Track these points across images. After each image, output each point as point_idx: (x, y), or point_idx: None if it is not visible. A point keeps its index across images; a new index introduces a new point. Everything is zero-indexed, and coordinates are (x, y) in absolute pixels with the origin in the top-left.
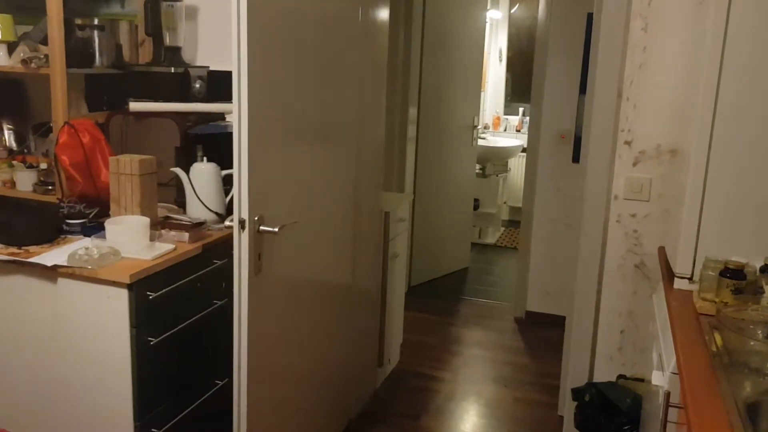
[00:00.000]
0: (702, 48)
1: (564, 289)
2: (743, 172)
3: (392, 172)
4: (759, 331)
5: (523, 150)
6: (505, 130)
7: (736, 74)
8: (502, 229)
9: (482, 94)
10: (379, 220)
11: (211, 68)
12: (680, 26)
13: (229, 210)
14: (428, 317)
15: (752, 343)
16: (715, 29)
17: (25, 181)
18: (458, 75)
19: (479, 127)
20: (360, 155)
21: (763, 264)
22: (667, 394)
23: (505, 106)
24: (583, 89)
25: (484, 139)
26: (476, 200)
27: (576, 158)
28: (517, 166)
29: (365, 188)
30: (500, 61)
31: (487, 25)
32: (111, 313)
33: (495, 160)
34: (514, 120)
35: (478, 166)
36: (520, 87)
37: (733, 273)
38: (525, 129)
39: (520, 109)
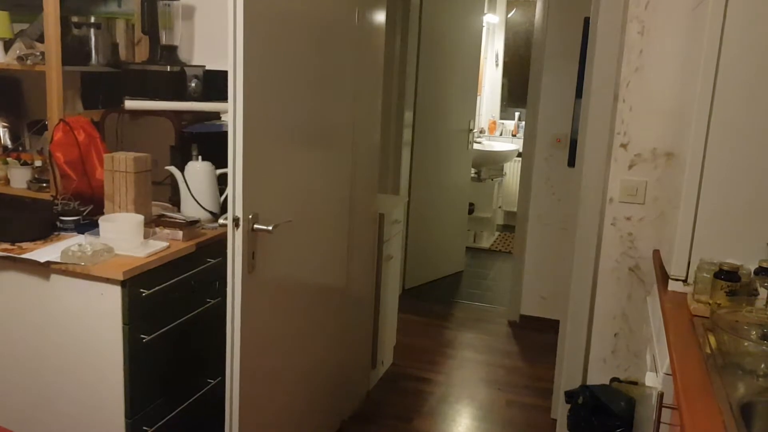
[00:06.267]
0: (698, 51)
1: (558, 293)
2: (738, 175)
3: (387, 174)
4: (753, 333)
5: (519, 155)
6: (500, 134)
7: (731, 77)
8: (497, 233)
9: (478, 98)
10: (374, 222)
11: (207, 67)
12: (677, 29)
13: (223, 209)
14: (422, 320)
15: (746, 344)
16: (711, 32)
17: (19, 178)
18: (454, 79)
19: (475, 131)
20: (355, 157)
21: (757, 266)
22: (661, 395)
23: (501, 111)
24: (579, 93)
25: (479, 143)
26: (471, 204)
27: (571, 162)
28: (513, 170)
29: (360, 190)
30: (497, 65)
31: (484, 30)
32: (104, 310)
33: (490, 164)
34: (510, 124)
35: (473, 170)
36: (517, 91)
37: (727, 275)
38: (521, 133)
39: (516, 114)
